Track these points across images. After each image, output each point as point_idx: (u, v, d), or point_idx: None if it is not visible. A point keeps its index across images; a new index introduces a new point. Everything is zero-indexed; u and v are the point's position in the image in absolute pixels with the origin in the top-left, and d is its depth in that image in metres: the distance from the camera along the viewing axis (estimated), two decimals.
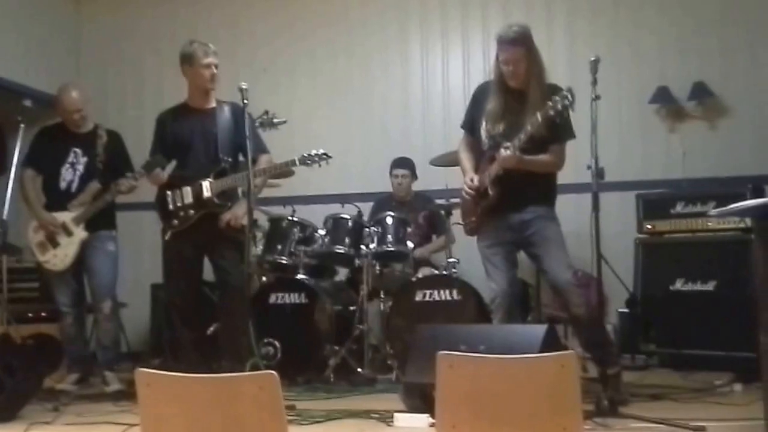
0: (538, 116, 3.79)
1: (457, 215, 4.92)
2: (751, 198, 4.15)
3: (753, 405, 3.49)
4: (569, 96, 3.72)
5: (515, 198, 4.04)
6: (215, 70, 4.63)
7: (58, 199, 4.86)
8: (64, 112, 4.92)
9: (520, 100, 4.01)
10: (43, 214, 4.81)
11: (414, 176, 5.96)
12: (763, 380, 2.49)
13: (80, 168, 4.88)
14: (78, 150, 4.91)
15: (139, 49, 7.20)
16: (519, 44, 3.97)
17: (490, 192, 4.07)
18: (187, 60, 4.63)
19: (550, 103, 3.74)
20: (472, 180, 4.16)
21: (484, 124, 4.15)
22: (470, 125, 4.31)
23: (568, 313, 4.06)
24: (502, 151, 3.87)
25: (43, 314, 5.38)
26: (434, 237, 5.84)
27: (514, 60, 3.98)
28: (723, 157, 6.02)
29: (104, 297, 4.84)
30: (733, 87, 6.11)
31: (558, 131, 3.93)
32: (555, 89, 3.88)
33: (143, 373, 2.12)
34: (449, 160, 5.20)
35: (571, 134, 4.04)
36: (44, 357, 5.06)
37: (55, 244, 4.79)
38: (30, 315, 5.46)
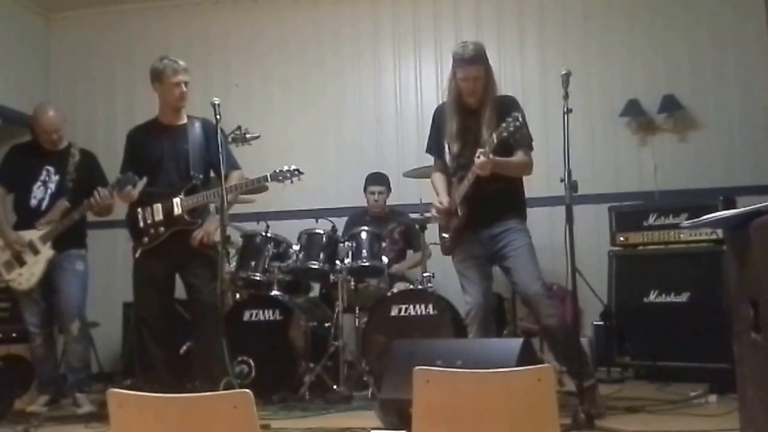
0: (494, 137, 3.81)
1: (432, 229, 4.92)
2: (723, 209, 4.16)
3: (728, 416, 3.50)
4: (519, 118, 3.75)
5: (485, 214, 4.08)
6: (185, 88, 4.60)
7: (27, 217, 4.81)
8: (42, 132, 4.87)
9: (477, 118, 4.04)
10: (8, 233, 4.75)
11: (389, 191, 5.96)
12: (737, 391, 2.49)
13: (52, 186, 4.84)
14: (51, 168, 4.87)
15: (110, 64, 7.15)
16: (478, 62, 4.02)
17: (459, 212, 4.10)
18: (157, 77, 4.59)
19: (503, 125, 3.77)
20: (441, 203, 4.19)
21: (447, 146, 4.18)
22: (435, 149, 4.34)
23: (539, 324, 4.08)
24: (476, 160, 3.87)
25: (13, 335, 5.27)
26: (410, 252, 5.83)
27: (473, 77, 4.02)
28: (694, 169, 6.10)
29: (72, 317, 4.76)
30: (703, 99, 6.18)
31: (517, 143, 3.99)
32: (508, 101, 3.95)
33: (115, 393, 2.08)
34: (423, 173, 5.20)
35: (530, 140, 4.09)
36: (14, 378, 4.98)
37: (21, 263, 4.73)
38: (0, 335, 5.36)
